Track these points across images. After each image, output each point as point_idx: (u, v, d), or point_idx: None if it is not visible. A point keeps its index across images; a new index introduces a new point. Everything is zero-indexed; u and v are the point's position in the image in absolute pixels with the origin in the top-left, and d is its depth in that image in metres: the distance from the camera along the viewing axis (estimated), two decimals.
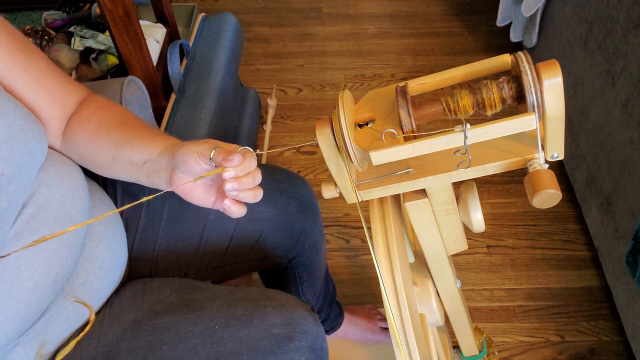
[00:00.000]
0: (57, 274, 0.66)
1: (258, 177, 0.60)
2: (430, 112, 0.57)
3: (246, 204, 0.62)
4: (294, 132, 1.76)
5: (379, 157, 0.56)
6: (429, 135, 0.55)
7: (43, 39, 1.46)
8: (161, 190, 0.62)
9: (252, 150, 0.60)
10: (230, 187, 0.58)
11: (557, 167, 1.54)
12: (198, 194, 0.65)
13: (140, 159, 0.67)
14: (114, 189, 0.85)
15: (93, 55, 1.40)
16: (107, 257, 0.74)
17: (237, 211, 0.62)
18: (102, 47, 1.40)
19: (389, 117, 0.59)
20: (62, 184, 0.69)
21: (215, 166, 0.60)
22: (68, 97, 0.74)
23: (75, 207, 0.70)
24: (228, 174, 0.57)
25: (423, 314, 0.82)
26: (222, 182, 0.59)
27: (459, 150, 0.56)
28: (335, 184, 0.65)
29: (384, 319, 1.26)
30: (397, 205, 0.73)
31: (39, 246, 0.63)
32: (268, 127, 1.74)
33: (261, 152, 0.65)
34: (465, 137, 0.53)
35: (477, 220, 0.68)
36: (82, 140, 0.72)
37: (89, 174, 0.77)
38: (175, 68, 1.27)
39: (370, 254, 0.64)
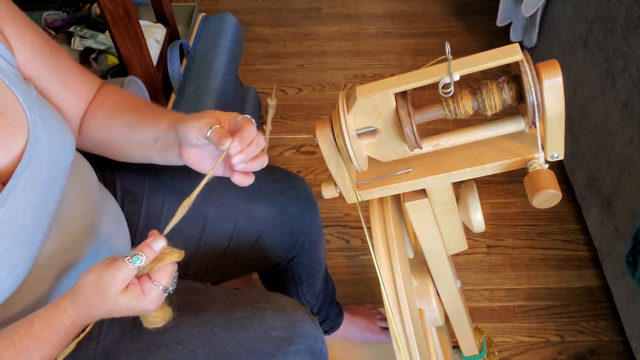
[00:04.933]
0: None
1: (261, 142, 0.62)
2: (430, 112, 0.57)
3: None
4: (294, 132, 1.76)
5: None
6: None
7: None
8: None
9: (250, 117, 0.62)
10: (238, 160, 0.60)
11: (557, 167, 1.54)
12: (208, 165, 0.67)
13: (150, 137, 0.68)
14: (114, 189, 0.85)
15: (93, 55, 1.40)
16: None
17: (247, 182, 0.64)
18: (102, 47, 1.40)
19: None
20: (83, 185, 0.69)
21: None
22: (90, 92, 0.74)
23: (94, 209, 0.70)
24: (234, 149, 0.59)
25: (422, 310, 0.82)
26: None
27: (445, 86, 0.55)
28: (335, 184, 0.65)
29: (384, 319, 1.26)
30: (397, 205, 0.73)
31: (61, 243, 0.64)
32: (268, 127, 1.74)
33: (263, 135, 0.66)
34: (450, 66, 0.52)
35: (477, 220, 0.68)
36: (94, 128, 0.73)
37: None
38: (175, 68, 1.27)
39: (370, 254, 0.64)
